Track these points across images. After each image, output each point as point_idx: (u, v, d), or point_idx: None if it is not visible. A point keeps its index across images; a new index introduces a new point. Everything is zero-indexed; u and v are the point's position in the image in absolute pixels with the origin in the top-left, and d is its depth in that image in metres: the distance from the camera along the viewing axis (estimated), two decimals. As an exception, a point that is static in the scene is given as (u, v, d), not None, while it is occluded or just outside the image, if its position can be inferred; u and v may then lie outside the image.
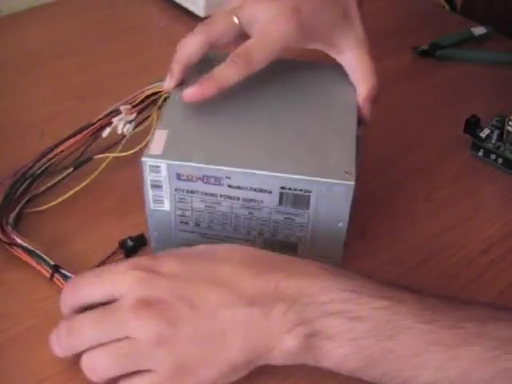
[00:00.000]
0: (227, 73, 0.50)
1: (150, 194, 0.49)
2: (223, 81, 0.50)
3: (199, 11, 0.84)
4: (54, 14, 0.87)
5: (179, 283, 0.41)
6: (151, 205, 0.50)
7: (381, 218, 0.58)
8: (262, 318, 0.40)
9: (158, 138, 0.49)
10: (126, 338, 0.40)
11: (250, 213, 0.49)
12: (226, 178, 0.47)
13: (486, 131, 0.63)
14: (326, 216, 0.48)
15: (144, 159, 0.47)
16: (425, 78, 0.76)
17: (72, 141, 0.56)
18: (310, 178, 0.46)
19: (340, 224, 0.48)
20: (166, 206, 0.50)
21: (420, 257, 0.54)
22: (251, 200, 0.48)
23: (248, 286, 0.41)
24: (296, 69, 0.57)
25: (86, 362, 0.42)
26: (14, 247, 0.51)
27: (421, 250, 0.55)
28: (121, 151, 0.55)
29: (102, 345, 0.41)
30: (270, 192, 0.47)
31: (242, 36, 0.52)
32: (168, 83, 0.53)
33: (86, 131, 0.56)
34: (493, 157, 0.63)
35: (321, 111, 0.52)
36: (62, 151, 0.56)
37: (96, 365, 0.41)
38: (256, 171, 0.46)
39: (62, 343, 0.43)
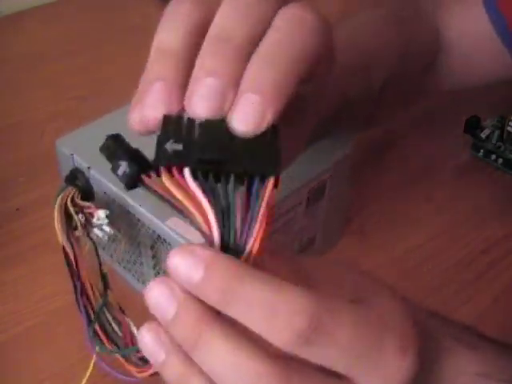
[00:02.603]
0: None
1: None
2: None
3: (199, 11, 0.84)
4: (54, 14, 0.87)
5: None
6: None
7: (381, 218, 0.58)
8: None
9: (183, 229, 0.41)
10: None
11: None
12: None
13: (487, 131, 0.63)
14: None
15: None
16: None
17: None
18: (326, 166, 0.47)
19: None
20: None
21: (420, 257, 0.54)
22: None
23: None
24: None
25: None
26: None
27: (421, 250, 0.55)
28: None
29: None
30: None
31: None
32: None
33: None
34: (493, 157, 0.63)
35: None
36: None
37: None
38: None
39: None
